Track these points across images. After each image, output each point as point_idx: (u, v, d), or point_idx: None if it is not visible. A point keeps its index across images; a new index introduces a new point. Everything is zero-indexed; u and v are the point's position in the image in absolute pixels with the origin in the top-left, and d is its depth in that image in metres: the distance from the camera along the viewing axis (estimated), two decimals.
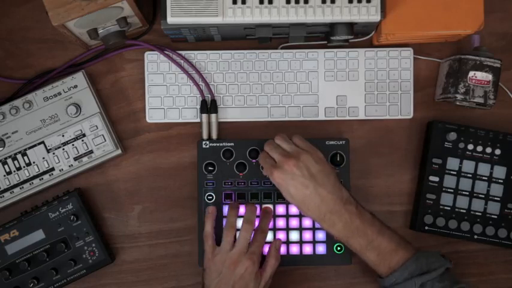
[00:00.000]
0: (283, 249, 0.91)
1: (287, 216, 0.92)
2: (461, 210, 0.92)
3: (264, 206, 0.91)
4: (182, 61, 0.94)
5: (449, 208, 0.92)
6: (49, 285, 0.89)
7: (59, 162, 0.91)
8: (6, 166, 0.90)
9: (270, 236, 0.91)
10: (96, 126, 0.91)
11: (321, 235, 0.91)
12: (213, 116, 0.93)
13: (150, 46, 0.94)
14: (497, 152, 0.92)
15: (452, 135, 0.92)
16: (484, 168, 0.92)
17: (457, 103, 0.91)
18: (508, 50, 0.96)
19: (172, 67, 0.94)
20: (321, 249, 0.91)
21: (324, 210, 0.82)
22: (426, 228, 0.92)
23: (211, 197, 0.92)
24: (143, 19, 0.90)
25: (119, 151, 0.92)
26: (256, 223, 0.88)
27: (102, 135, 0.91)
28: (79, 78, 0.91)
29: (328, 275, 0.95)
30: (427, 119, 0.95)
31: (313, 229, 0.92)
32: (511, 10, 0.97)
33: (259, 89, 0.94)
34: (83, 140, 0.91)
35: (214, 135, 0.93)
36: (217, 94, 0.94)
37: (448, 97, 0.91)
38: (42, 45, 0.95)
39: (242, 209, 0.90)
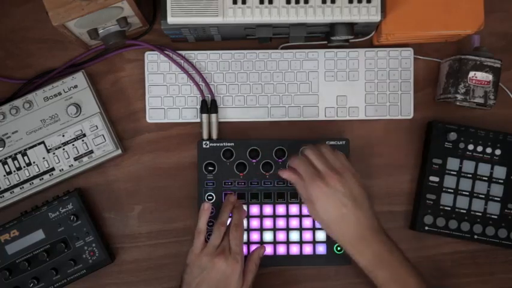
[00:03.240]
0: (283, 249, 0.91)
1: (287, 216, 0.92)
2: (462, 211, 0.92)
3: (236, 201, 0.90)
4: (182, 61, 0.94)
5: (449, 208, 0.92)
6: (49, 285, 0.89)
7: (59, 162, 0.91)
8: (6, 166, 0.90)
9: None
10: (96, 126, 0.91)
11: (321, 235, 0.92)
12: (213, 116, 0.93)
13: (150, 46, 0.94)
14: (498, 152, 0.92)
15: (453, 135, 0.92)
16: (484, 169, 0.92)
17: (457, 103, 0.91)
18: (508, 50, 0.96)
19: (173, 67, 0.94)
20: (321, 249, 0.91)
21: (355, 235, 0.79)
22: (426, 228, 0.92)
23: (211, 197, 0.92)
24: (143, 19, 0.90)
25: (119, 151, 0.92)
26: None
27: (102, 135, 0.91)
28: (79, 78, 0.91)
29: (328, 275, 0.95)
30: (427, 119, 0.95)
31: (313, 229, 0.92)
32: (511, 10, 0.97)
33: (259, 89, 0.94)
34: (83, 140, 0.91)
35: (214, 135, 0.93)
36: (218, 94, 0.94)
37: (448, 97, 0.91)
38: (42, 45, 0.95)
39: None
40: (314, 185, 0.80)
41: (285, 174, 0.85)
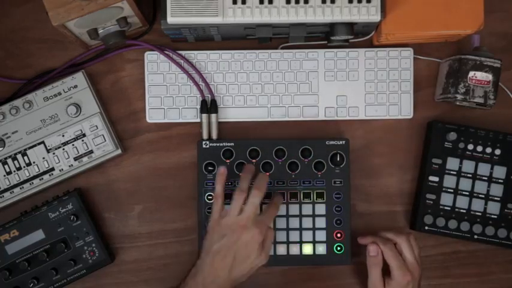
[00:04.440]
0: (283, 249, 0.91)
1: (287, 216, 0.92)
2: (461, 210, 0.92)
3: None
4: (182, 61, 0.94)
5: (449, 208, 0.92)
6: (49, 285, 0.89)
7: (59, 162, 0.91)
8: (6, 166, 0.90)
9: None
10: (96, 126, 0.91)
11: (321, 235, 0.92)
12: (213, 116, 0.93)
13: (150, 46, 0.94)
14: (497, 152, 0.92)
15: (452, 135, 0.92)
16: (484, 168, 0.92)
17: (457, 103, 0.91)
18: (508, 50, 0.96)
19: (172, 67, 0.94)
20: (321, 249, 0.91)
21: None
22: (426, 228, 0.92)
23: (211, 197, 0.92)
24: (143, 19, 0.90)
25: (119, 151, 0.92)
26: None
27: (102, 135, 0.91)
28: (79, 78, 0.91)
29: (328, 275, 0.95)
30: (427, 119, 0.95)
31: (313, 229, 0.92)
32: (511, 10, 0.97)
33: (259, 89, 0.94)
34: (83, 140, 0.91)
35: (214, 135, 0.93)
36: (217, 94, 0.94)
37: (448, 97, 0.91)
38: (42, 45, 0.95)
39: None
40: (406, 277, 0.85)
41: (373, 252, 0.88)
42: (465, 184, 0.92)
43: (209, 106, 0.93)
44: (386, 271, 0.87)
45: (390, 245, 0.87)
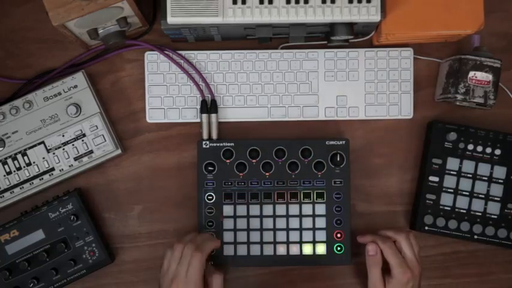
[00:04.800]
0: (283, 249, 0.91)
1: (287, 216, 0.92)
2: (461, 211, 0.92)
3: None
4: (182, 61, 0.94)
5: (449, 208, 0.92)
6: (49, 285, 0.89)
7: (59, 162, 0.91)
8: (6, 166, 0.90)
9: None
10: (96, 126, 0.91)
11: (321, 235, 0.92)
12: (213, 116, 0.93)
13: (150, 46, 0.94)
14: (497, 152, 0.92)
15: (452, 135, 0.92)
16: (484, 168, 0.92)
17: (457, 103, 0.91)
18: (508, 50, 0.96)
19: (172, 67, 0.94)
20: (321, 249, 0.91)
21: None
22: (426, 228, 0.92)
23: (211, 197, 0.92)
24: (143, 19, 0.90)
25: (119, 151, 0.92)
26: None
27: (102, 135, 0.91)
28: (79, 78, 0.91)
29: (328, 275, 0.95)
30: (427, 119, 0.95)
31: (313, 229, 0.92)
32: (511, 10, 0.97)
33: (259, 89, 0.94)
34: (83, 140, 0.91)
35: (214, 135, 0.93)
36: (217, 94, 0.94)
37: (448, 97, 0.91)
38: (42, 45, 0.95)
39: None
40: (407, 275, 0.85)
41: (372, 251, 0.88)
42: (465, 184, 0.92)
43: (209, 106, 0.93)
44: (386, 270, 0.87)
45: (389, 243, 0.87)
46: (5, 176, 0.90)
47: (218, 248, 0.89)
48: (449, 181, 0.92)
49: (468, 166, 0.92)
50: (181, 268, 0.80)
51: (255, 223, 0.92)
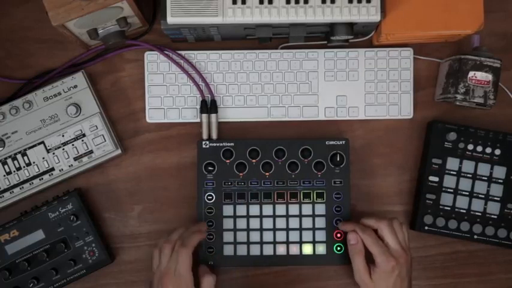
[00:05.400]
0: (283, 249, 0.91)
1: (287, 216, 0.92)
2: (461, 210, 0.92)
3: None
4: (182, 61, 0.94)
5: (449, 208, 0.92)
6: (49, 285, 0.89)
7: (59, 162, 0.91)
8: (6, 166, 0.90)
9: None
10: (96, 126, 0.91)
11: (321, 235, 0.92)
12: (213, 116, 0.93)
13: (150, 46, 0.94)
14: (497, 152, 0.92)
15: (452, 135, 0.92)
16: (484, 168, 0.92)
17: (457, 103, 0.91)
18: (508, 50, 0.96)
19: (172, 67, 0.94)
20: (321, 249, 0.91)
21: None
22: (426, 228, 0.92)
23: (211, 197, 0.92)
24: (143, 19, 0.90)
25: (119, 151, 0.92)
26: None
27: (102, 135, 0.91)
28: (79, 78, 0.91)
29: (328, 275, 0.95)
30: (427, 119, 0.95)
31: (313, 229, 0.92)
32: (511, 10, 0.97)
33: (259, 89, 0.94)
34: (83, 140, 0.91)
35: (214, 135, 0.93)
36: (217, 94, 0.94)
37: (448, 97, 0.91)
38: (42, 45, 0.95)
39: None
40: (390, 263, 0.83)
41: (352, 240, 0.87)
42: (465, 184, 0.92)
43: (209, 106, 0.93)
44: (371, 259, 0.86)
45: (369, 232, 0.86)
46: (5, 176, 0.90)
47: (204, 239, 0.89)
48: (449, 181, 0.92)
49: (468, 166, 0.92)
50: (170, 265, 0.82)
51: (254, 223, 0.92)
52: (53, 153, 0.91)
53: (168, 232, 0.90)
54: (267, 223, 0.92)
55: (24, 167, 0.91)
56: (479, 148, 0.92)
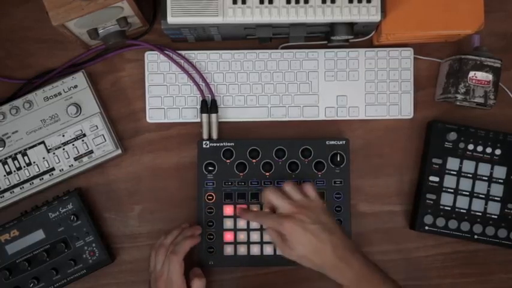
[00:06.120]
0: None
1: None
2: (461, 210, 0.92)
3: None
4: (182, 61, 0.94)
5: (449, 208, 0.92)
6: (49, 285, 0.89)
7: (59, 162, 0.91)
8: (6, 166, 0.90)
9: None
10: (96, 126, 0.91)
11: None
12: (213, 116, 0.93)
13: (150, 46, 0.94)
14: (498, 152, 0.92)
15: (452, 135, 0.92)
16: (484, 168, 0.92)
17: (457, 103, 0.91)
18: (508, 50, 0.96)
19: (173, 67, 0.94)
20: None
21: (335, 258, 0.79)
22: (426, 228, 0.92)
23: (211, 197, 0.92)
24: (143, 19, 0.90)
25: (119, 151, 0.92)
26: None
27: (102, 135, 0.91)
28: (79, 78, 0.91)
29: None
30: (427, 119, 0.95)
31: None
32: (511, 10, 0.97)
33: (259, 89, 0.94)
34: (83, 140, 0.91)
35: (214, 135, 0.93)
36: (218, 94, 0.94)
37: (448, 97, 0.91)
38: (42, 45, 0.95)
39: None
40: (285, 226, 0.80)
41: (271, 235, 0.83)
42: (465, 184, 0.92)
43: (209, 106, 0.93)
44: None
45: (255, 213, 0.89)
46: (5, 176, 0.90)
47: (196, 244, 0.89)
48: (450, 181, 0.92)
49: (468, 166, 0.92)
50: (163, 270, 0.85)
51: (255, 223, 0.92)
52: (53, 153, 0.91)
53: (166, 232, 0.91)
54: None
55: (24, 166, 0.91)
56: (480, 148, 0.92)
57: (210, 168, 0.92)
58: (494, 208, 0.92)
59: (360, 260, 0.80)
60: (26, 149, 0.90)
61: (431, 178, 0.92)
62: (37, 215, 0.90)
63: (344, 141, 0.92)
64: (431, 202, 0.92)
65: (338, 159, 0.92)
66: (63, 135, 0.91)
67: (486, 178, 0.92)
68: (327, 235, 0.80)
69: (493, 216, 0.92)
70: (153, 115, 0.94)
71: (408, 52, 0.95)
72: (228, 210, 0.92)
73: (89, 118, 0.91)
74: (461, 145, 0.92)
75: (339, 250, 0.80)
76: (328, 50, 0.95)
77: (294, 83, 0.95)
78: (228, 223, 0.92)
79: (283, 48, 0.96)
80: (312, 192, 0.83)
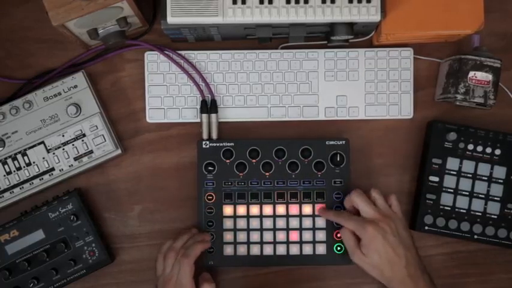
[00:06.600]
0: (283, 249, 0.91)
1: (287, 216, 0.92)
2: (461, 210, 0.92)
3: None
4: (182, 61, 0.94)
5: (449, 208, 0.92)
6: (49, 285, 0.89)
7: (59, 162, 0.91)
8: (6, 166, 0.90)
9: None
10: (96, 126, 0.91)
11: (321, 235, 0.91)
12: (213, 116, 0.93)
13: (150, 46, 0.94)
14: (497, 152, 0.92)
15: (452, 135, 0.92)
16: (484, 168, 0.92)
17: (457, 103, 0.91)
18: (508, 50, 0.96)
19: (172, 67, 0.94)
20: (321, 249, 0.91)
21: (406, 275, 0.81)
22: (426, 228, 0.92)
23: (211, 197, 0.92)
24: (143, 19, 0.90)
25: (119, 151, 0.92)
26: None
27: (102, 135, 0.91)
28: (79, 78, 0.91)
29: (328, 275, 0.95)
30: (427, 119, 0.95)
31: (313, 229, 0.92)
32: (511, 10, 0.97)
33: (259, 89, 0.94)
34: (83, 140, 0.91)
35: (214, 135, 0.93)
36: (218, 94, 0.94)
37: (448, 97, 0.91)
38: (42, 45, 0.95)
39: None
40: (368, 230, 0.82)
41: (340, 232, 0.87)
42: (465, 184, 0.92)
43: (209, 106, 0.93)
44: None
45: (341, 213, 0.88)
46: (5, 176, 0.90)
47: (208, 248, 0.90)
48: (449, 181, 0.92)
49: (468, 166, 0.92)
50: (173, 273, 0.84)
51: (255, 223, 0.92)
52: (53, 153, 0.91)
53: (170, 233, 0.91)
54: (267, 223, 0.92)
55: (24, 167, 0.91)
56: (480, 148, 0.92)
57: (210, 168, 0.92)
58: (494, 208, 0.92)
59: (427, 281, 0.82)
60: (25, 149, 0.90)
61: (431, 178, 0.92)
62: (37, 215, 0.90)
63: (344, 141, 0.92)
64: (431, 202, 0.92)
65: (338, 159, 0.92)
66: (63, 135, 0.91)
67: (486, 178, 0.92)
68: (403, 250, 0.82)
69: (492, 216, 0.92)
70: (153, 115, 0.94)
71: (408, 52, 0.95)
72: (228, 210, 0.92)
73: (89, 118, 0.91)
74: (461, 145, 0.92)
75: (411, 267, 0.82)
76: (328, 50, 0.95)
77: (293, 83, 0.95)
78: (228, 223, 0.92)
79: (283, 48, 0.96)
80: (396, 204, 0.86)
